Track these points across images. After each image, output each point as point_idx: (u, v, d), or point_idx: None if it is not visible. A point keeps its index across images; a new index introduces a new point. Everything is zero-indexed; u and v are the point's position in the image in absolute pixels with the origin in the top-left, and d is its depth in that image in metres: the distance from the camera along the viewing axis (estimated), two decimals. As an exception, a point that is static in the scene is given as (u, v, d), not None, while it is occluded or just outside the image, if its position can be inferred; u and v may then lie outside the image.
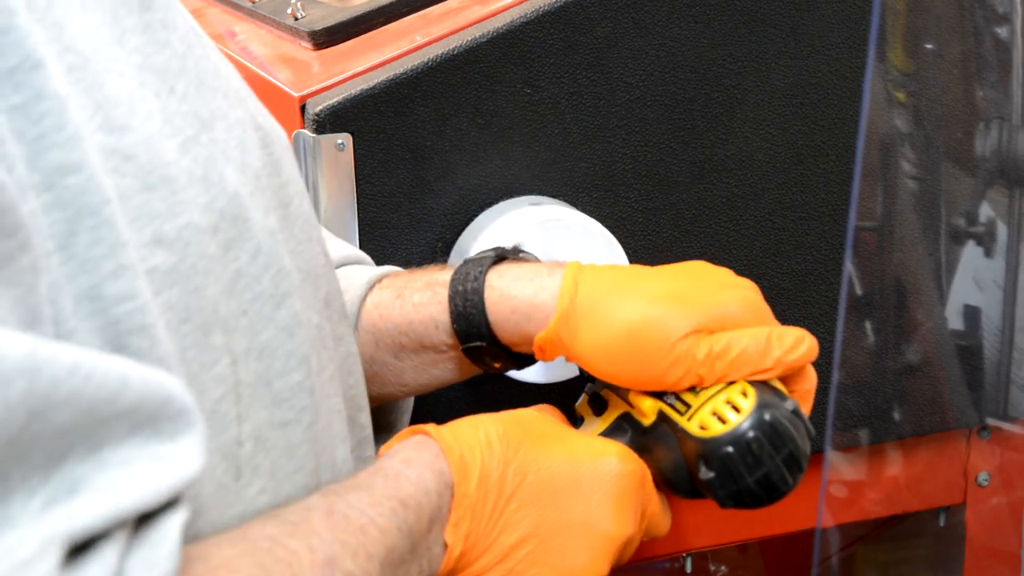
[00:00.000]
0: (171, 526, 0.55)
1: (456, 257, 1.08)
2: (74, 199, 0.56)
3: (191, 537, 0.61)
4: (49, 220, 0.55)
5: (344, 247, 1.00)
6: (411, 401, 1.02)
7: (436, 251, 1.09)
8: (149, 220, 0.60)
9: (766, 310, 0.85)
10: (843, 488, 1.17)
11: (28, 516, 0.50)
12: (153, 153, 0.61)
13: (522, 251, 0.95)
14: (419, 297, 0.91)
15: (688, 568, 1.26)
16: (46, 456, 0.51)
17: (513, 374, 1.04)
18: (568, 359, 0.87)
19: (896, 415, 1.18)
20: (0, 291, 0.51)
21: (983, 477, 1.25)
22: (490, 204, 1.09)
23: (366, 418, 0.82)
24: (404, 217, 1.08)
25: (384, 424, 1.00)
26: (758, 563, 1.44)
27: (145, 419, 0.54)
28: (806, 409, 0.86)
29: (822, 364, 0.89)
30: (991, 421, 1.20)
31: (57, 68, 0.57)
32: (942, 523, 1.27)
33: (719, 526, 1.23)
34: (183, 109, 0.65)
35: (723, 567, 1.41)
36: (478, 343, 0.89)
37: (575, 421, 0.90)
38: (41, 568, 0.48)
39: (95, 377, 0.52)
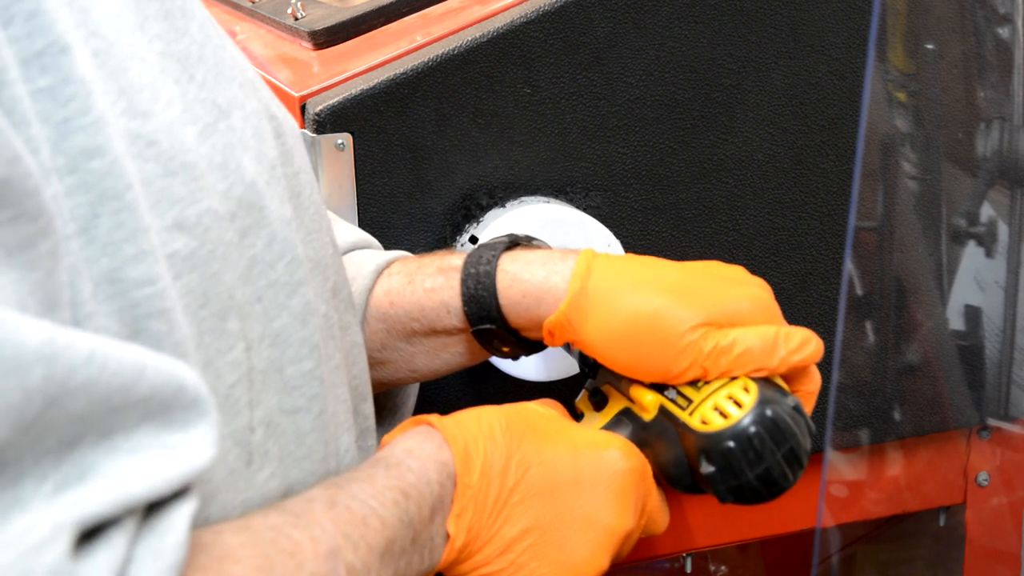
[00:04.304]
0: (180, 516, 0.55)
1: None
2: (97, 183, 0.56)
3: (202, 522, 0.61)
4: (72, 203, 0.55)
5: (352, 231, 0.99)
6: (416, 385, 1.02)
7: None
8: (170, 205, 0.60)
9: (775, 309, 0.86)
10: (843, 488, 1.17)
11: (40, 499, 0.49)
12: (175, 139, 0.61)
13: (535, 239, 0.95)
14: (431, 282, 0.91)
15: (688, 568, 1.26)
16: (58, 442, 0.50)
17: (514, 372, 1.04)
18: (575, 345, 0.87)
19: (896, 415, 1.18)
20: (20, 275, 0.51)
21: (983, 477, 1.25)
22: (492, 203, 1.09)
23: (369, 408, 0.82)
24: (404, 217, 1.08)
25: (389, 407, 1.00)
26: (758, 563, 1.44)
27: (158, 408, 0.54)
28: (808, 410, 0.86)
29: (822, 364, 0.89)
30: (991, 421, 1.20)
31: (83, 52, 0.57)
32: (942, 523, 1.27)
33: (719, 526, 1.23)
34: (202, 96, 0.65)
35: (723, 567, 1.41)
36: (488, 326, 0.89)
37: (575, 417, 0.90)
38: (52, 554, 0.48)
39: (111, 365, 0.51)
